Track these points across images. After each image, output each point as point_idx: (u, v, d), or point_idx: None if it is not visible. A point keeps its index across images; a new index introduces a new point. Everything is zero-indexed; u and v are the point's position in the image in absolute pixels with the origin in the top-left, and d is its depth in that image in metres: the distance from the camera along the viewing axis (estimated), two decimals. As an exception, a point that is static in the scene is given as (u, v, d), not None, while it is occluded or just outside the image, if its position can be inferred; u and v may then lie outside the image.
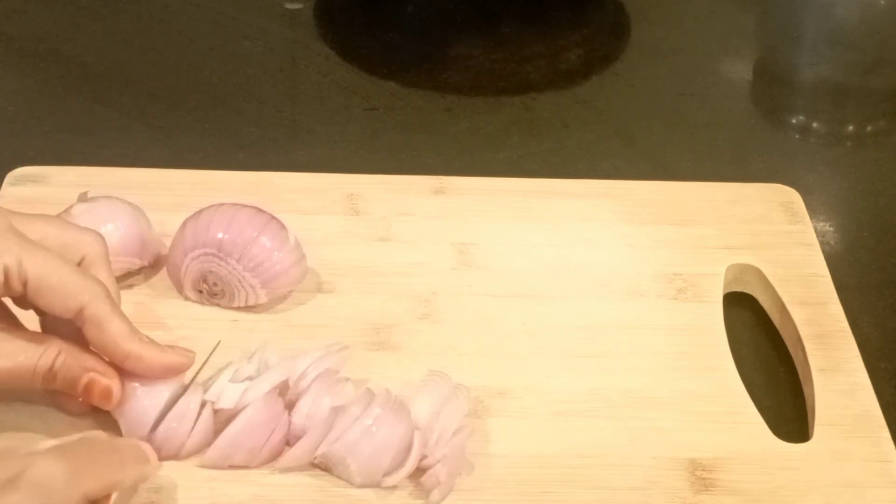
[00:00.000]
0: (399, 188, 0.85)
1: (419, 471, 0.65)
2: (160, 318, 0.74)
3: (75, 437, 0.59)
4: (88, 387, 0.63)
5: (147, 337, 0.64)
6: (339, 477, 0.65)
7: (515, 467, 0.66)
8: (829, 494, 0.66)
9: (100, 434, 0.62)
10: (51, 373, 0.63)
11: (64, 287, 0.61)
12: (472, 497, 0.65)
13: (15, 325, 0.64)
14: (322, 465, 0.65)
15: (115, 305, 0.63)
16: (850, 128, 1.02)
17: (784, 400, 0.74)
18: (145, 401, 0.64)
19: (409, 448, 0.64)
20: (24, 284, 0.61)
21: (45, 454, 0.55)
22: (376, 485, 0.64)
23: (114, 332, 0.62)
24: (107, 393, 0.63)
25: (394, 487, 0.64)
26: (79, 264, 0.65)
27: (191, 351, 0.65)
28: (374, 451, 0.64)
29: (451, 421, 0.66)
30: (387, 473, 0.64)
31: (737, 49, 1.10)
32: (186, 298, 0.75)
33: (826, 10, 1.16)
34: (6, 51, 1.04)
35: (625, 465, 0.67)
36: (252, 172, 0.85)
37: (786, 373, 0.76)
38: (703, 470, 0.67)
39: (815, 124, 1.02)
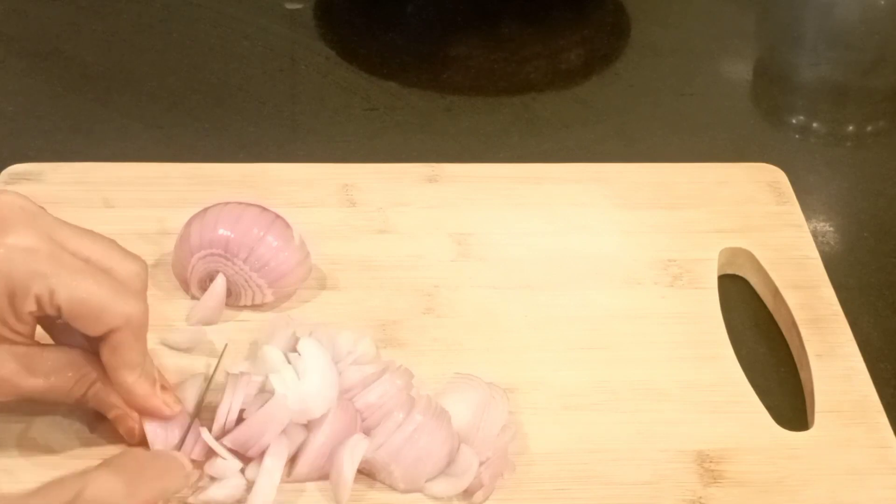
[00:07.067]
0: (392, 177, 0.85)
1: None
2: (167, 317, 0.74)
3: (119, 453, 0.60)
4: (117, 419, 0.65)
5: (156, 370, 0.65)
6: (382, 482, 0.65)
7: (529, 465, 0.66)
8: (832, 483, 0.66)
9: (138, 449, 0.64)
10: (84, 398, 0.64)
11: (95, 314, 0.61)
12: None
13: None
14: (366, 471, 0.65)
15: (140, 336, 0.63)
16: (850, 128, 1.02)
17: (783, 387, 0.74)
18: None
19: (450, 453, 0.65)
20: (58, 310, 0.61)
21: (98, 471, 0.56)
22: (419, 490, 0.64)
23: (122, 360, 0.63)
24: (131, 432, 0.65)
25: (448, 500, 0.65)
26: None
27: (179, 403, 0.65)
28: (417, 457, 0.64)
29: (494, 422, 0.66)
30: (429, 479, 0.64)
31: (737, 49, 1.10)
32: (193, 297, 0.75)
33: (826, 10, 1.16)
34: (6, 51, 1.04)
35: (634, 460, 0.67)
36: (247, 164, 0.85)
37: (783, 359, 0.76)
38: (711, 462, 0.67)
39: (815, 124, 1.02)
